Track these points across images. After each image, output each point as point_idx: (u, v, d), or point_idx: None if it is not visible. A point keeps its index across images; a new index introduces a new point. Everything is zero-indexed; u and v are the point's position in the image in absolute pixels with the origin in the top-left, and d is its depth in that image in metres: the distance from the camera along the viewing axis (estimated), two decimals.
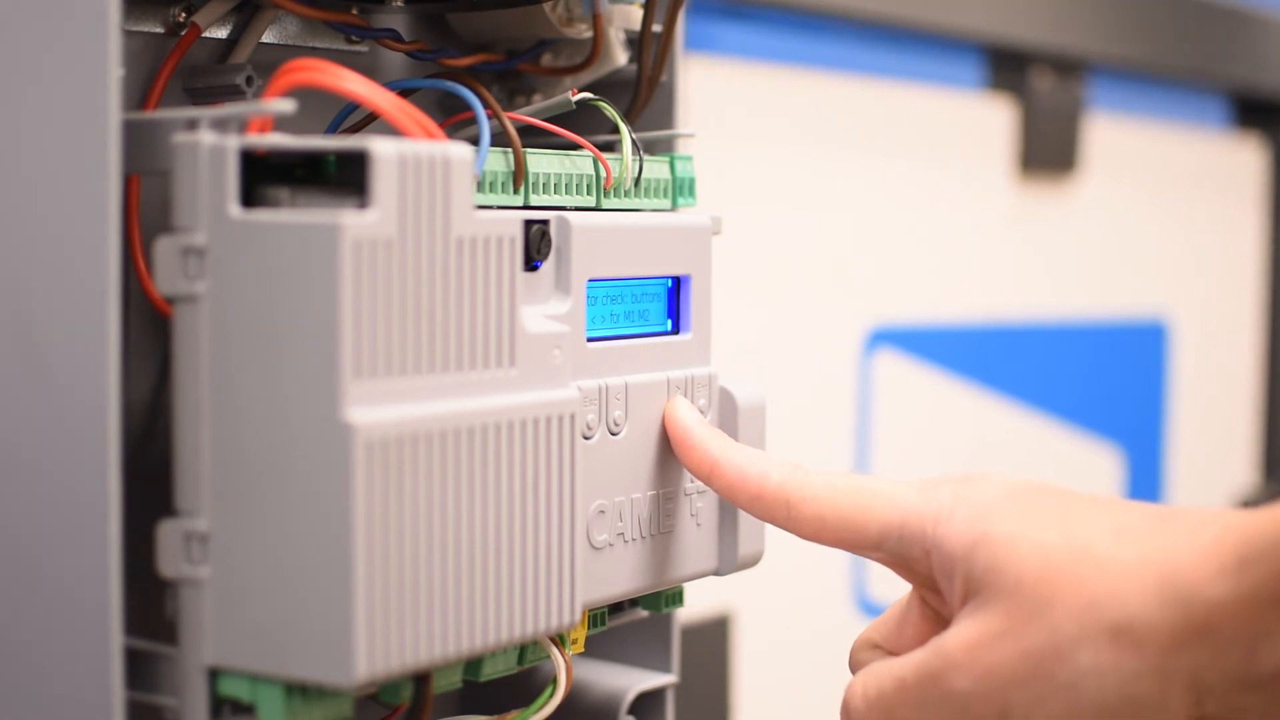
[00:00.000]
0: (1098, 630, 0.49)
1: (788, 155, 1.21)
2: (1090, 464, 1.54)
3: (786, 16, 1.19)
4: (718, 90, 1.14)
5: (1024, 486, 0.53)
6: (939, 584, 0.53)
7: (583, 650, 0.61)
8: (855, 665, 0.56)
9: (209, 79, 0.57)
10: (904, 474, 0.56)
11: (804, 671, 1.16)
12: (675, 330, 0.62)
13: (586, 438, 0.57)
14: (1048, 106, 1.43)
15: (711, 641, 1.14)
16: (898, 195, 1.30)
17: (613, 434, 0.58)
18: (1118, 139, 1.54)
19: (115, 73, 0.49)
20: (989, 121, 1.39)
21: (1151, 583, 0.49)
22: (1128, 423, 1.59)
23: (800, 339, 1.22)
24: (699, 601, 1.12)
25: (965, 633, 0.51)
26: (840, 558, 1.22)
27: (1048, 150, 1.44)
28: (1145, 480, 1.61)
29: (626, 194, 0.61)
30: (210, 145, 0.48)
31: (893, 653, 0.55)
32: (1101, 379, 1.56)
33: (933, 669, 0.51)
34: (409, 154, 0.49)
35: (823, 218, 1.24)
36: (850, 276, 1.26)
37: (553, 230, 0.57)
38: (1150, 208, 1.60)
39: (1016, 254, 1.44)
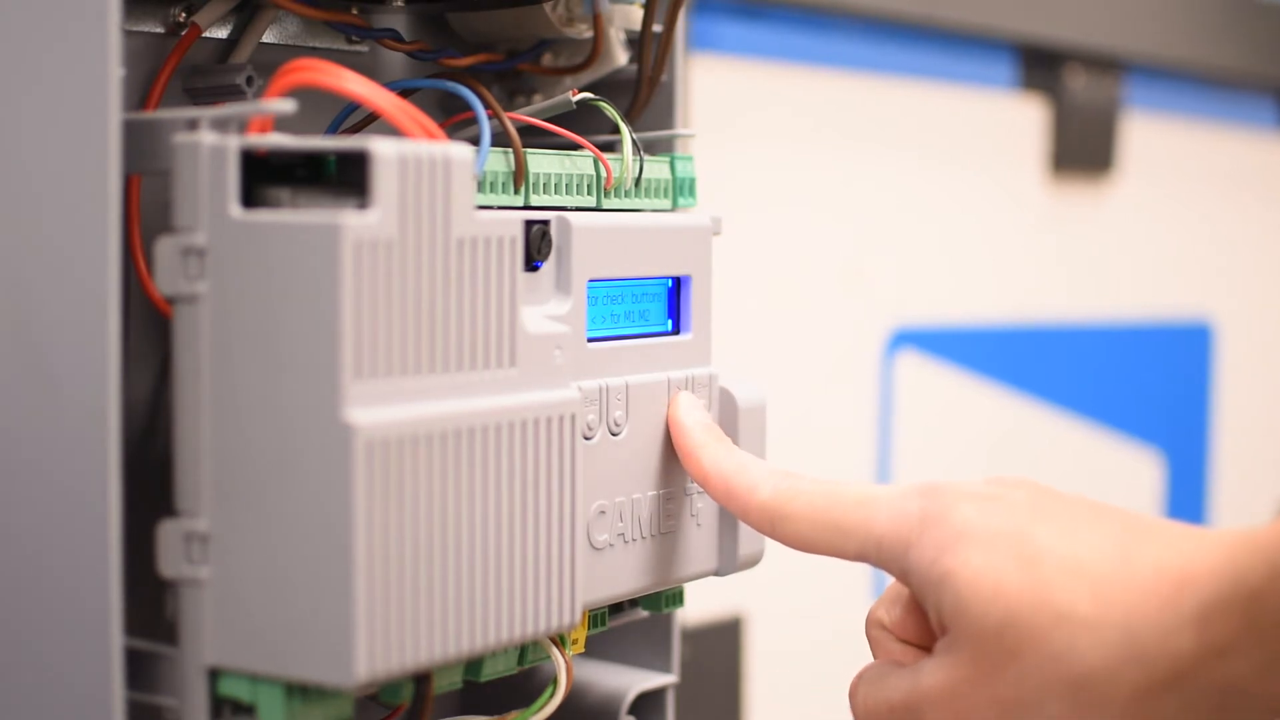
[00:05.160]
0: (1061, 685, 0.49)
1: (816, 155, 1.21)
2: (1130, 468, 1.53)
3: (817, 16, 1.19)
4: (742, 90, 1.14)
5: (989, 509, 0.52)
6: (921, 601, 0.53)
7: (583, 650, 0.61)
8: (868, 639, 0.57)
9: (209, 79, 0.57)
10: (926, 478, 0.56)
11: (817, 674, 1.16)
12: (676, 330, 0.62)
13: (587, 438, 0.57)
14: (1081, 106, 1.42)
15: (723, 643, 1.14)
16: (925, 196, 1.30)
17: (613, 434, 0.58)
18: (1158, 139, 1.52)
19: (115, 73, 0.49)
20: (1020, 121, 1.38)
21: (1111, 637, 0.48)
22: (1170, 426, 1.57)
23: (822, 340, 1.22)
24: (710, 603, 1.12)
25: (941, 674, 0.51)
26: None
27: (1081, 150, 1.43)
28: (1187, 485, 1.60)
29: (627, 194, 0.61)
30: (211, 145, 0.48)
31: (897, 635, 0.56)
32: (1143, 382, 1.54)
33: (914, 704, 0.52)
34: (409, 154, 0.49)
35: (848, 218, 1.24)
36: (875, 277, 1.26)
37: (553, 230, 0.57)
38: (1194, 208, 1.59)
39: (1048, 255, 1.43)
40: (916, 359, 1.30)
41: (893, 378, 1.27)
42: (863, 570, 1.22)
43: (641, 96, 0.64)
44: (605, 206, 0.60)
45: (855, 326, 1.25)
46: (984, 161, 1.35)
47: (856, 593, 1.22)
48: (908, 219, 1.29)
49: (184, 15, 0.57)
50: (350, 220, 0.47)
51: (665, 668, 0.68)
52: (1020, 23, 1.34)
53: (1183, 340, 1.59)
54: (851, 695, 0.55)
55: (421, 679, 0.53)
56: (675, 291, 0.62)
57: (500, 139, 0.57)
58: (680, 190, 0.63)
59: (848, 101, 1.23)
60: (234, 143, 0.48)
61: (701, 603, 1.11)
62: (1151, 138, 1.51)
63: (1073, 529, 0.51)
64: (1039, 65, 1.40)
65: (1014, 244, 1.39)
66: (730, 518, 0.62)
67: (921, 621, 0.55)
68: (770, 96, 1.17)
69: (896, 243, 1.28)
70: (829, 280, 1.22)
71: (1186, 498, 1.60)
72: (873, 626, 0.57)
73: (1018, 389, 1.39)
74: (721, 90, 1.12)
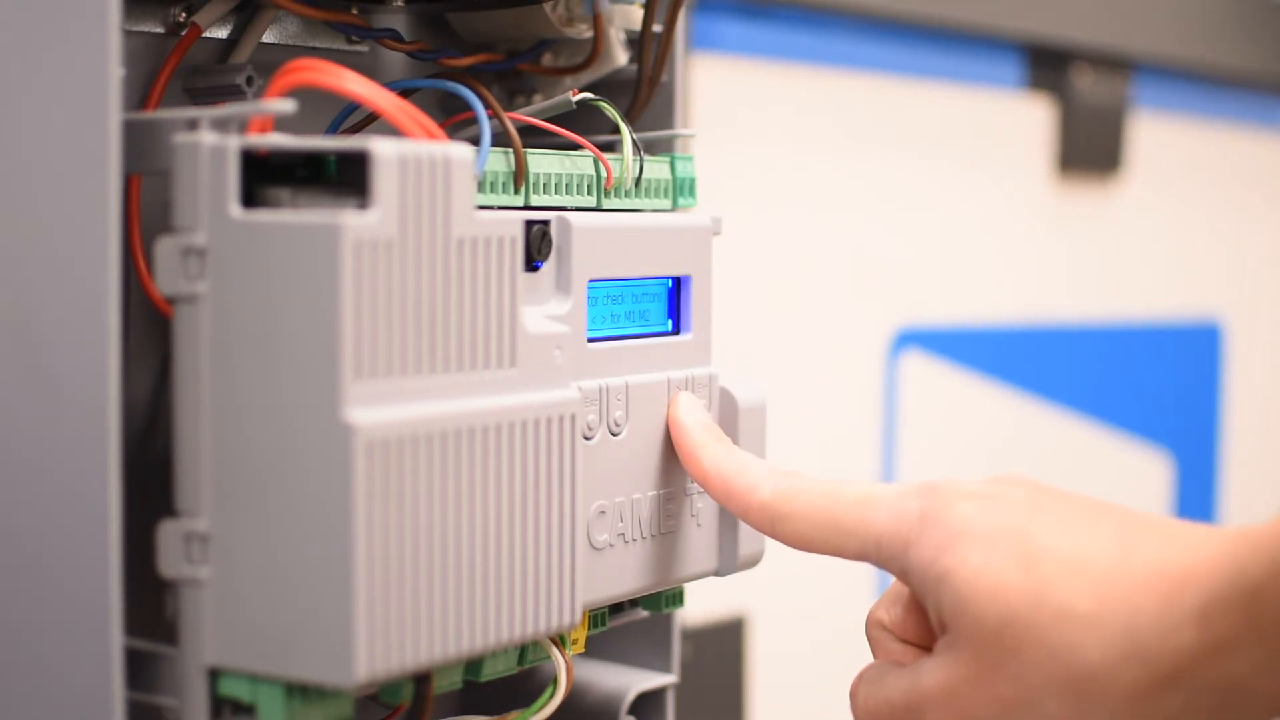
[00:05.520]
0: (1060, 682, 0.49)
1: (821, 155, 1.20)
2: (1138, 469, 1.52)
3: (821, 16, 1.19)
4: (747, 90, 1.14)
5: (988, 507, 0.52)
6: (921, 600, 0.53)
7: (583, 650, 0.61)
8: (868, 639, 0.57)
9: (209, 79, 0.57)
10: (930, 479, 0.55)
11: (820, 674, 1.16)
12: (676, 330, 0.62)
13: (587, 438, 0.57)
14: (1088, 106, 1.41)
15: (725, 643, 1.14)
16: (931, 196, 1.30)
17: (613, 434, 0.58)
18: (1167, 138, 1.51)
19: (115, 73, 0.49)
20: (1026, 121, 1.38)
21: (1112, 634, 0.48)
22: (1179, 427, 1.56)
23: (827, 340, 1.22)
24: (713, 603, 1.12)
25: (941, 673, 0.51)
26: None
27: (1088, 150, 1.42)
28: (1197, 487, 1.59)
29: (627, 194, 0.61)
30: (211, 145, 0.48)
31: (897, 635, 0.56)
32: (1151, 382, 1.53)
33: (915, 703, 0.52)
34: (409, 154, 0.49)
35: (854, 219, 1.24)
36: (880, 278, 1.25)
37: (553, 230, 0.57)
38: (1203, 209, 1.58)
39: (1055, 255, 1.42)
40: (921, 359, 1.29)
41: (897, 378, 1.27)
42: (866, 570, 1.22)
43: (641, 96, 0.64)
44: (605, 206, 0.60)
45: (860, 327, 1.25)
46: (990, 162, 1.35)
47: (859, 593, 1.22)
48: (914, 219, 1.29)
49: (184, 15, 0.57)
50: (350, 220, 0.47)
51: (665, 668, 0.68)
52: (1027, 22, 1.34)
53: (1192, 341, 1.59)
54: (852, 695, 0.55)
55: (421, 679, 0.53)
56: (675, 291, 0.62)
57: (500, 139, 0.57)
58: (680, 190, 0.63)
59: (853, 101, 1.23)
60: (234, 143, 0.48)
61: (704, 603, 1.11)
62: (1160, 137, 1.50)
63: (1072, 527, 0.51)
64: (1046, 65, 1.39)
65: (1020, 244, 1.39)
66: (730, 518, 0.62)
67: (922, 621, 0.55)
68: (775, 96, 1.17)
69: (902, 243, 1.28)
70: (834, 280, 1.22)
71: (1195, 498, 1.59)
72: (873, 627, 0.57)
73: (1024, 390, 1.39)
74: (725, 90, 1.12)
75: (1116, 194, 1.47)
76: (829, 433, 1.23)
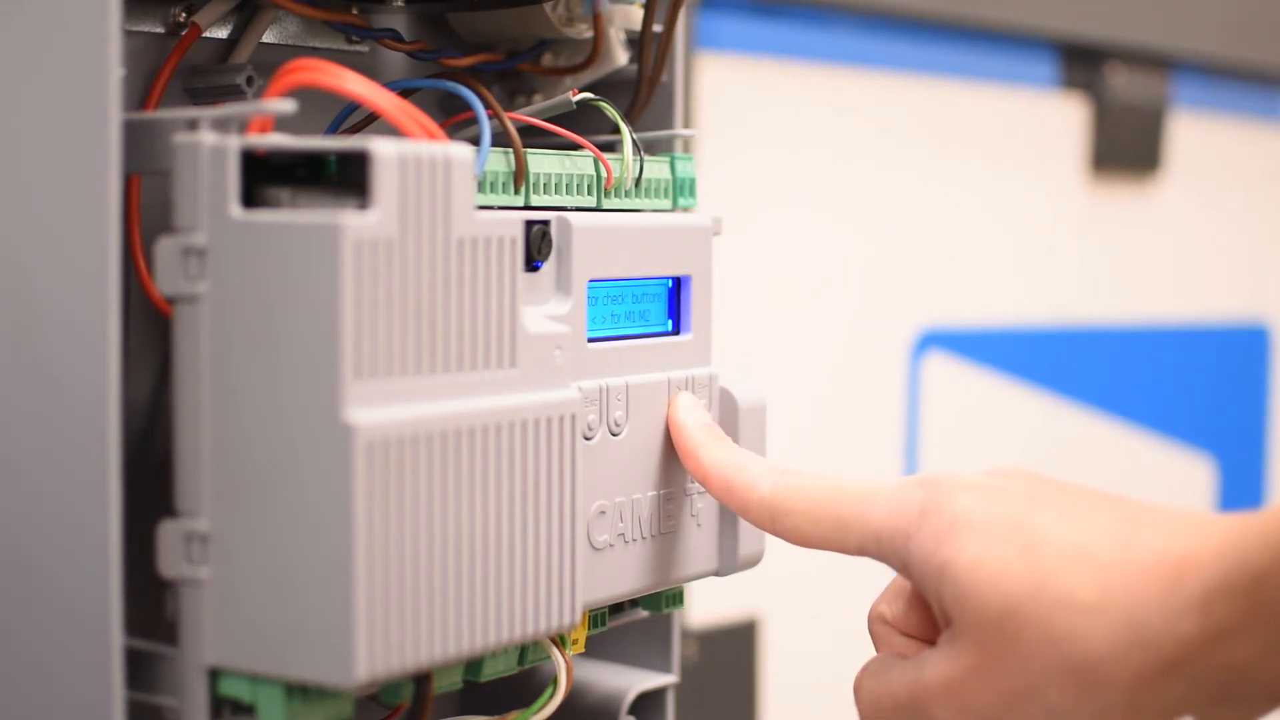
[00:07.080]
0: (1062, 670, 0.49)
1: (853, 156, 1.20)
2: (1179, 473, 1.51)
3: (853, 15, 1.19)
4: (775, 91, 1.14)
5: (988, 498, 0.52)
6: (923, 593, 0.53)
7: (583, 650, 0.61)
8: (870, 634, 0.57)
9: (209, 79, 0.57)
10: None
11: (832, 676, 1.16)
12: (676, 331, 0.62)
13: (587, 438, 0.57)
14: (1123, 105, 1.40)
15: (737, 645, 1.14)
16: (961, 196, 1.29)
17: (613, 434, 0.58)
18: (1207, 138, 1.50)
19: (115, 73, 0.49)
20: (1059, 121, 1.37)
21: (1114, 621, 0.48)
22: (1223, 431, 1.55)
23: (849, 341, 1.21)
24: (725, 605, 1.12)
25: (944, 665, 0.51)
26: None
27: (1124, 150, 1.41)
28: (1242, 491, 1.57)
29: (627, 194, 0.61)
30: (211, 145, 0.48)
31: (900, 629, 0.56)
32: (1194, 385, 1.51)
33: (918, 697, 0.52)
34: (410, 154, 0.49)
35: (884, 219, 1.23)
36: (908, 279, 1.25)
37: (553, 230, 0.57)
38: (1245, 209, 1.56)
39: (1090, 256, 1.41)
40: (945, 361, 1.29)
41: (920, 379, 1.27)
42: (880, 572, 1.22)
43: (641, 96, 0.64)
44: (605, 206, 0.60)
45: (885, 328, 1.24)
46: (1023, 162, 1.34)
47: (872, 595, 1.22)
48: (946, 220, 1.28)
49: (184, 15, 0.57)
50: (350, 220, 0.47)
51: (665, 668, 0.68)
52: (1060, 20, 1.33)
53: (1238, 343, 1.57)
54: (856, 689, 0.55)
55: (421, 679, 0.53)
56: (675, 292, 0.62)
57: (500, 139, 0.57)
58: (680, 190, 0.63)
59: (886, 101, 1.23)
60: (234, 143, 0.48)
61: (716, 604, 1.11)
62: (1199, 136, 1.49)
63: (1073, 516, 0.51)
64: (1080, 63, 1.38)
65: (1054, 245, 1.38)
66: (730, 517, 0.62)
67: (924, 615, 0.55)
68: (804, 96, 1.17)
69: (934, 244, 1.27)
70: (860, 282, 1.22)
71: (1240, 503, 1.58)
72: (875, 621, 0.57)
73: (1061, 393, 1.38)
74: (741, 88, 1.11)
75: (1154, 195, 1.46)
76: (851, 435, 1.22)
